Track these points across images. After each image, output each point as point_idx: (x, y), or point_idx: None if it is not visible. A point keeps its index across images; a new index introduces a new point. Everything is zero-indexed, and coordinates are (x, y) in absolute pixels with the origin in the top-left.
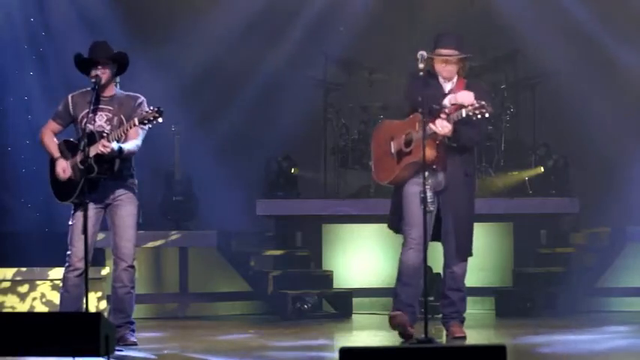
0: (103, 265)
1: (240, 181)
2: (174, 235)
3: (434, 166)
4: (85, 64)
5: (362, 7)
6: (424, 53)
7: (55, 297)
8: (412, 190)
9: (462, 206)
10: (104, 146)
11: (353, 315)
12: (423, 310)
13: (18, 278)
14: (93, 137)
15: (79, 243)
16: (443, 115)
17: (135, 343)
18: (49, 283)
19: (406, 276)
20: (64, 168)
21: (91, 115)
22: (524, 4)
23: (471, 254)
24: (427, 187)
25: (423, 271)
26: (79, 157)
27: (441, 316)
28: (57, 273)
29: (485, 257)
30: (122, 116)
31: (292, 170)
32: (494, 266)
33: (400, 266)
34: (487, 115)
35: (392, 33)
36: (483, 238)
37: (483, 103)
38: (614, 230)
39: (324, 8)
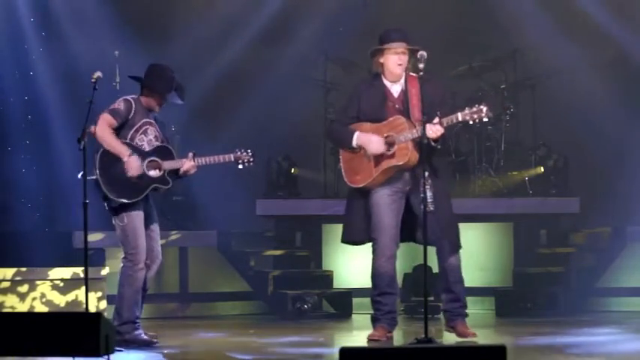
0: (103, 265)
1: (240, 181)
2: (174, 235)
3: (409, 168)
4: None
5: (361, 7)
6: (424, 53)
7: (55, 297)
8: (381, 195)
9: (445, 200)
10: (195, 168)
11: (353, 315)
12: (422, 310)
13: (18, 278)
14: (166, 150)
15: (142, 240)
16: (435, 120)
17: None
18: (49, 283)
19: (385, 285)
20: (137, 165)
21: (146, 127)
22: (524, 3)
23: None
24: (427, 187)
25: (395, 276)
26: (146, 164)
27: (442, 314)
28: (57, 273)
29: (486, 257)
30: (162, 136)
31: (292, 170)
32: (494, 266)
33: (376, 276)
34: (485, 119)
35: None
36: (483, 238)
37: (482, 107)
38: (614, 230)
39: (323, 8)
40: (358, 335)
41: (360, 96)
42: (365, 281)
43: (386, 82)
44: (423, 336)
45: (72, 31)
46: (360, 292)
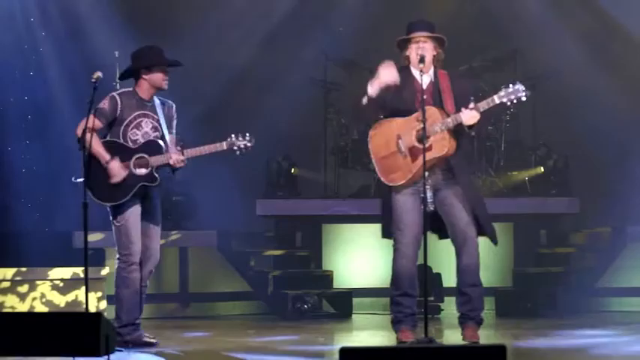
0: (102, 265)
1: (240, 181)
2: (174, 235)
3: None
4: (145, 69)
5: (362, 6)
6: (424, 55)
7: (55, 297)
8: (403, 192)
9: (473, 193)
10: (182, 161)
11: (353, 315)
12: (422, 310)
13: (18, 278)
14: (154, 145)
15: (137, 240)
16: (471, 106)
17: (157, 343)
18: (49, 283)
19: (407, 286)
20: (119, 170)
21: (139, 120)
22: (524, 4)
23: (495, 239)
24: (427, 187)
25: (416, 277)
26: (133, 162)
27: (458, 315)
28: (57, 273)
29: (486, 257)
30: (163, 125)
31: (292, 170)
32: (494, 266)
33: (397, 276)
34: (524, 98)
35: (392, 32)
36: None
37: (517, 86)
38: (614, 230)
39: (323, 8)
40: (358, 335)
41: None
42: (365, 281)
43: (415, 73)
44: (423, 336)
45: (72, 31)
46: (360, 292)
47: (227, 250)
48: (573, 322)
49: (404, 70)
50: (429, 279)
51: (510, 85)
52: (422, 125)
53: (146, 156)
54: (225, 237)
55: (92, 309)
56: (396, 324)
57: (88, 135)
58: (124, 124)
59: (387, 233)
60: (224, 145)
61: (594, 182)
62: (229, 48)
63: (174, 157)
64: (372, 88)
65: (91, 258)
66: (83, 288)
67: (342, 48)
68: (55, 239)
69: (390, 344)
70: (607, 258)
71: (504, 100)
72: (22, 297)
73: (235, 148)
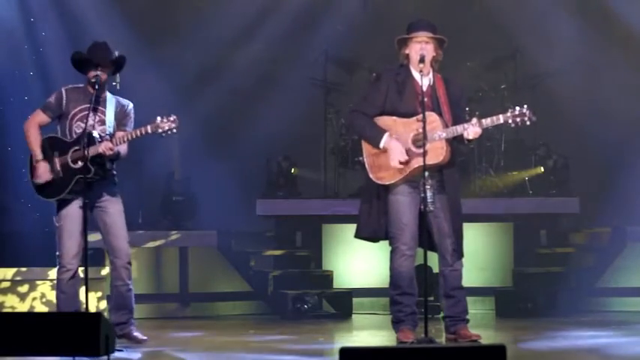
0: (102, 265)
1: (240, 181)
2: (174, 235)
3: (441, 167)
4: (82, 63)
5: (362, 6)
6: (424, 53)
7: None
8: (402, 191)
9: (459, 205)
10: (110, 149)
11: (353, 315)
12: (422, 310)
13: (18, 278)
14: (90, 138)
15: (69, 242)
16: (474, 121)
17: (146, 340)
18: (49, 283)
19: (406, 285)
20: (44, 172)
21: (84, 113)
22: (524, 4)
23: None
24: (427, 187)
25: (414, 276)
26: (70, 156)
27: (442, 316)
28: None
29: (486, 257)
30: (112, 120)
31: (292, 170)
32: (494, 266)
33: (396, 275)
34: (528, 123)
35: (392, 32)
36: (483, 238)
37: (525, 110)
38: (614, 230)
39: (323, 8)
40: (358, 335)
41: (389, 86)
42: (365, 281)
43: (414, 74)
44: (423, 336)
45: (71, 31)
46: (360, 292)
47: (227, 250)
48: (573, 322)
49: (403, 69)
50: (428, 279)
51: (518, 108)
52: (421, 129)
53: (81, 148)
54: (225, 237)
55: (92, 309)
56: (396, 324)
57: (30, 131)
58: (69, 117)
59: (360, 233)
60: (149, 129)
61: (594, 182)
62: (229, 48)
63: (104, 145)
64: (383, 146)
65: (91, 258)
66: (83, 288)
67: (342, 48)
68: (55, 239)
69: (390, 344)
70: (607, 258)
71: (509, 121)
72: (22, 297)
73: (160, 130)
